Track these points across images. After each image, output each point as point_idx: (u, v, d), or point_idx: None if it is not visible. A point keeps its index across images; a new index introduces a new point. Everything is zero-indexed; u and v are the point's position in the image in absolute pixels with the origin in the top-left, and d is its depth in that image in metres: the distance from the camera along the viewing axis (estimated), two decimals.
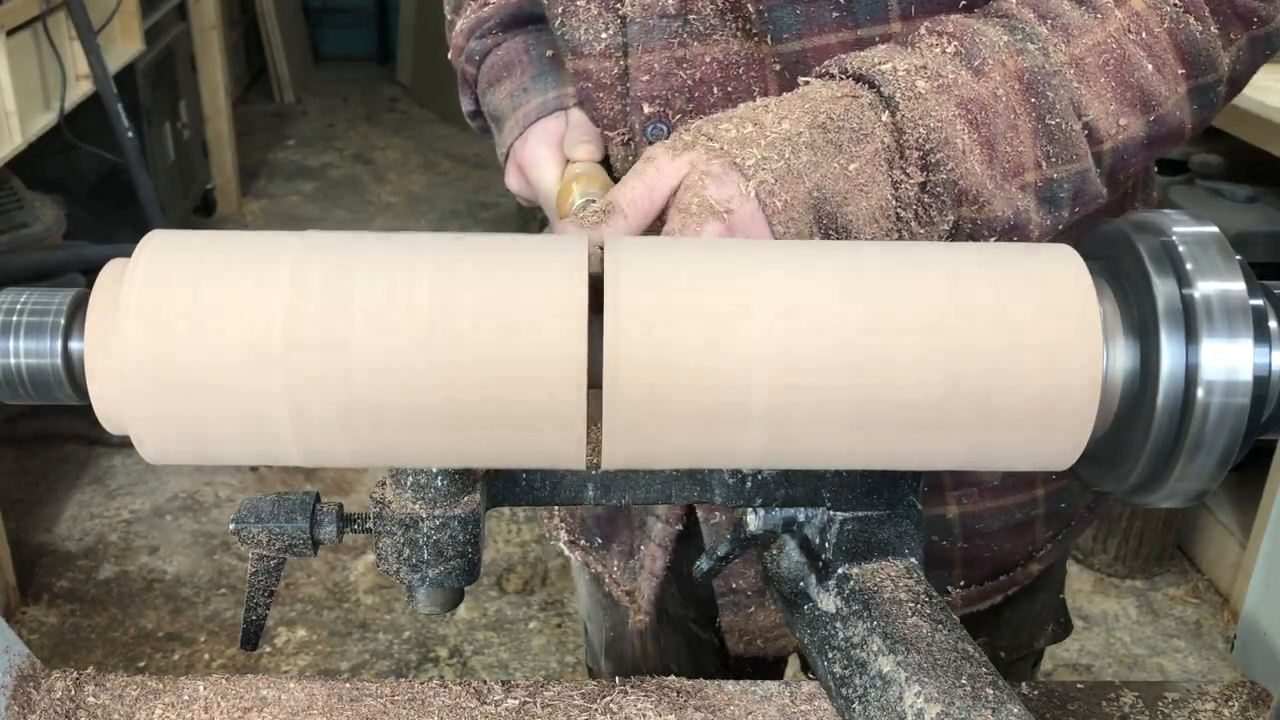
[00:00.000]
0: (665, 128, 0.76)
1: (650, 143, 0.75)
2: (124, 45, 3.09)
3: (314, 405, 0.49)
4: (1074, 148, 0.67)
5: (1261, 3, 0.70)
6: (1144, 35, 0.68)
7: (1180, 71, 0.69)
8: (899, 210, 0.65)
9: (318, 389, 0.48)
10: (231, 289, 0.49)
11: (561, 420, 0.49)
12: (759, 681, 0.70)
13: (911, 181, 0.64)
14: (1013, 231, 0.67)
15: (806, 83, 0.68)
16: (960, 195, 0.64)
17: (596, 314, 0.49)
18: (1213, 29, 0.69)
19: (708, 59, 0.74)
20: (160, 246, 0.51)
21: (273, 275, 0.49)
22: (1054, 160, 0.66)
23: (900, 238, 0.65)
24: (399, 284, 0.49)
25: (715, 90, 0.75)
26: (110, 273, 0.52)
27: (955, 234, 0.66)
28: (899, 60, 0.65)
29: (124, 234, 2.93)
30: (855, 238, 0.64)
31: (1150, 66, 0.68)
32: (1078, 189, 0.68)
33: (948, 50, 0.66)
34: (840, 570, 0.62)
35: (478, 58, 0.88)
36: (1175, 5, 0.68)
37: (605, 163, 0.79)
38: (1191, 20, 0.69)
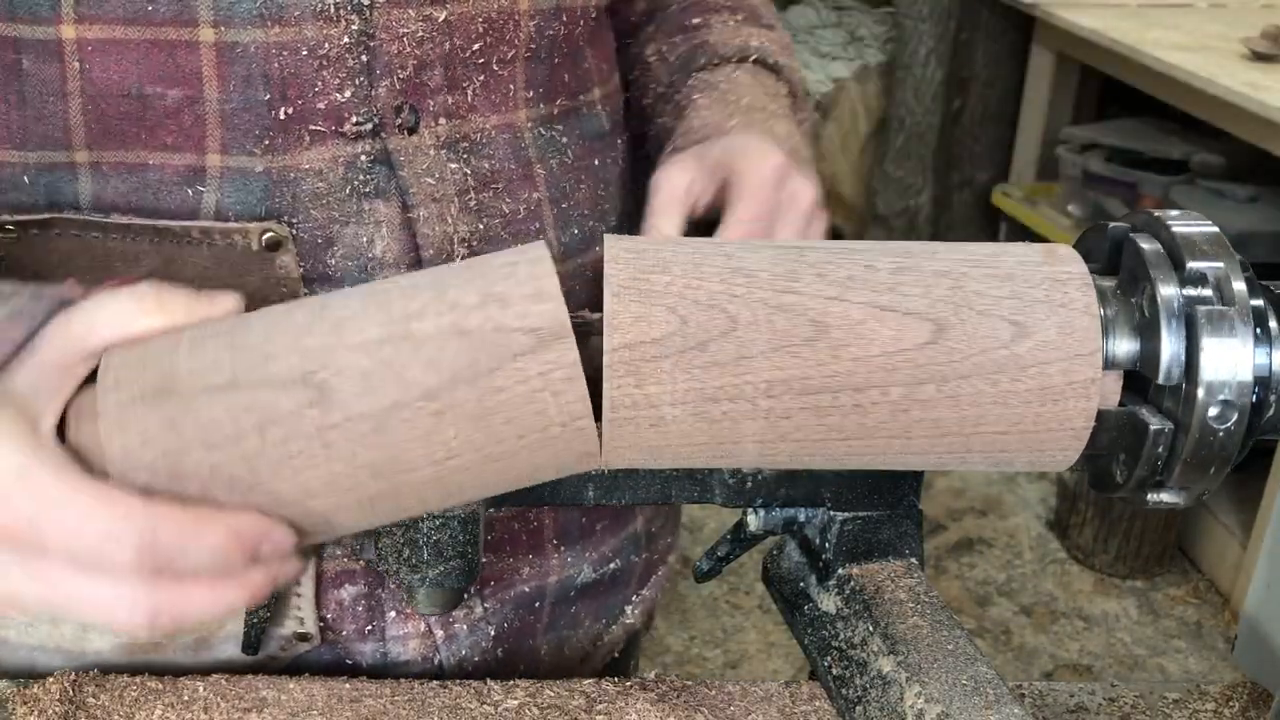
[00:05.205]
0: (418, 114, 0.65)
1: (405, 130, 0.65)
2: None
3: (314, 423, 0.49)
4: None
5: None
6: None
7: None
8: None
9: (319, 403, 0.48)
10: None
11: (562, 420, 0.49)
12: (759, 681, 0.70)
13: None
14: None
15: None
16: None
17: (596, 311, 0.49)
18: None
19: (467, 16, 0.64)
20: None
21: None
22: None
23: None
24: (398, 291, 0.49)
25: (470, 55, 0.66)
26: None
27: None
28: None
29: None
30: None
31: None
32: None
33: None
34: (840, 570, 0.62)
35: None
36: None
37: None
38: None
